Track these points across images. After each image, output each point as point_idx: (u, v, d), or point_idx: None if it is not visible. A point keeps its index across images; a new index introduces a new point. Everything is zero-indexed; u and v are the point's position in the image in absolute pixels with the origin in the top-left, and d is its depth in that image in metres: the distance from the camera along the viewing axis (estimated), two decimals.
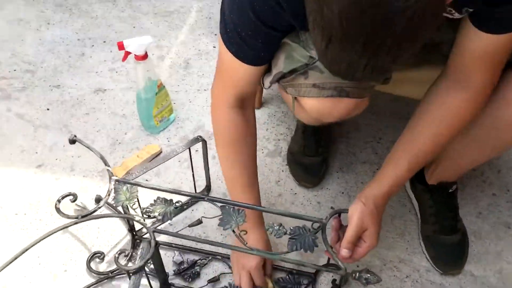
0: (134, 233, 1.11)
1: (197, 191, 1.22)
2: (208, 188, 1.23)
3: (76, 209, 1.17)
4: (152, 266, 1.02)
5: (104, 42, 1.64)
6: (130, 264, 1.06)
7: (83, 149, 1.29)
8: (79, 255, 1.12)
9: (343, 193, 1.26)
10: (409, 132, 0.89)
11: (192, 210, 1.21)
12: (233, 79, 0.90)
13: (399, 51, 0.58)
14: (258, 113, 1.43)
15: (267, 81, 0.88)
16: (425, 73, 0.96)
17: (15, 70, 1.54)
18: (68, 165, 1.30)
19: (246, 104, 0.95)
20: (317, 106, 0.82)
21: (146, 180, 1.26)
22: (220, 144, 1.00)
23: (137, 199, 1.03)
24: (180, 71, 1.55)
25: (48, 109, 1.44)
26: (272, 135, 1.38)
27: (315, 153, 1.27)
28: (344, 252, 0.86)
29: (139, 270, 0.84)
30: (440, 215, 1.13)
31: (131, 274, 0.84)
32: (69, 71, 1.55)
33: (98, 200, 1.15)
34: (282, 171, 1.30)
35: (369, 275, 0.82)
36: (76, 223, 0.89)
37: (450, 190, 1.13)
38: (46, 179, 1.27)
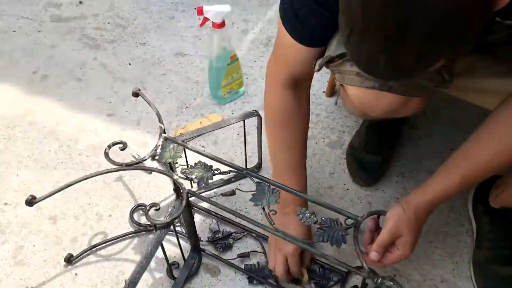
0: (179, 193, 1.14)
1: (248, 166, 1.21)
2: (259, 165, 1.22)
3: (132, 160, 1.22)
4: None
5: (195, 9, 1.67)
6: None
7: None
8: (126, 204, 1.17)
9: (398, 198, 1.19)
10: (469, 144, 0.81)
11: (240, 184, 1.21)
12: (287, 58, 0.87)
13: (422, 53, 0.55)
14: (328, 101, 1.39)
15: (317, 63, 0.84)
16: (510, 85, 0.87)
17: (108, 23, 1.63)
18: (136, 119, 1.35)
19: (300, 85, 0.92)
20: (360, 97, 0.78)
21: (203, 147, 1.28)
22: (268, 122, 0.98)
23: (186, 160, 1.06)
24: (260, 47, 1.55)
25: (129, 64, 1.50)
26: (338, 126, 1.33)
27: (376, 151, 1.21)
28: (373, 255, 0.81)
29: (166, 226, 0.86)
30: (497, 242, 1.03)
31: (157, 228, 0.86)
32: (156, 32, 1.61)
33: (153, 156, 1.19)
34: (339, 164, 1.26)
35: (392, 283, 0.76)
36: (118, 170, 0.92)
37: None
38: (113, 128, 1.33)
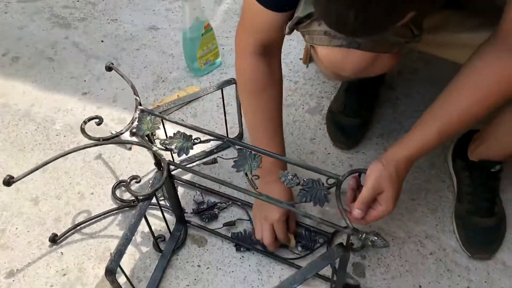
0: (160, 167, 1.13)
1: (230, 137, 1.20)
2: (240, 135, 1.21)
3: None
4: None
5: None
6: None
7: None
8: (107, 181, 1.16)
9: None
10: (444, 97, 0.81)
11: (222, 154, 1.20)
12: (254, 24, 0.86)
13: (391, 5, 0.55)
14: (306, 68, 1.38)
15: (287, 26, 0.83)
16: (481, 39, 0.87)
17: (78, 1, 1.59)
18: (111, 96, 1.33)
19: (270, 52, 0.91)
20: (329, 56, 0.78)
21: (182, 120, 1.27)
22: (242, 92, 0.98)
23: (165, 132, 1.05)
24: (234, 18, 1.53)
25: (102, 41, 1.47)
26: (316, 92, 1.33)
27: (355, 114, 1.21)
28: (356, 212, 0.82)
29: (148, 198, 0.85)
30: (477, 195, 1.05)
31: (139, 199, 0.85)
32: (128, 7, 1.57)
33: (130, 130, 1.17)
34: (320, 129, 1.26)
35: (376, 237, 0.77)
36: (96, 145, 0.91)
37: (493, 170, 1.04)
38: (89, 107, 1.31)
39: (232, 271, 1.02)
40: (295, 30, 0.84)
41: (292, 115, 1.28)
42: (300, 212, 0.84)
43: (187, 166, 1.16)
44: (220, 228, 1.07)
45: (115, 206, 1.11)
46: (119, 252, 0.79)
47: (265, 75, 0.93)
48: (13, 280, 1.01)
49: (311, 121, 1.27)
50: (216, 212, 1.10)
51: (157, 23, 1.52)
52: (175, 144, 0.88)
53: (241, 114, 1.15)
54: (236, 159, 0.86)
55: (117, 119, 1.28)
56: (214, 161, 0.95)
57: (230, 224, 1.08)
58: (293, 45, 1.42)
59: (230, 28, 1.50)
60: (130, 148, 1.22)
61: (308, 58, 1.37)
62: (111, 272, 0.77)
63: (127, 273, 0.94)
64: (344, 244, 0.83)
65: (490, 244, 1.04)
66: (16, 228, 1.09)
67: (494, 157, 1.03)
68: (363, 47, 0.74)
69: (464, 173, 1.08)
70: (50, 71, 1.40)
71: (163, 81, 1.36)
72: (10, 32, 1.50)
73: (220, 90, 1.07)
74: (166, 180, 0.87)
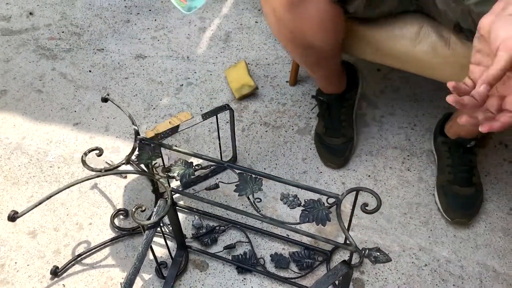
0: (158, 194, 1.15)
1: (223, 160, 1.23)
2: (234, 158, 1.24)
3: (105, 166, 1.22)
4: (171, 228, 1.05)
5: (150, 10, 1.67)
6: None
7: (118, 111, 1.35)
8: (105, 210, 1.17)
9: (369, 176, 1.24)
10: None
11: (217, 179, 1.23)
12: None
13: None
14: (292, 90, 1.42)
15: None
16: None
17: (63, 32, 1.60)
18: (103, 125, 1.34)
19: None
20: (273, 11, 0.88)
21: (176, 146, 1.29)
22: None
23: (162, 160, 1.07)
24: (219, 44, 1.56)
25: (90, 71, 1.49)
26: (304, 113, 1.37)
27: (337, 134, 1.25)
28: (483, 87, 0.59)
29: (154, 226, 0.87)
30: (455, 166, 1.16)
31: (145, 228, 0.87)
32: (113, 36, 1.59)
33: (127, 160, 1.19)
34: (310, 149, 1.29)
35: (378, 253, 0.80)
36: (98, 176, 0.92)
37: (468, 146, 1.16)
38: (81, 137, 1.32)
39: None
40: None
41: (282, 136, 1.32)
42: (309, 235, 0.86)
43: (189, 192, 1.17)
44: (221, 251, 1.09)
45: (114, 235, 1.12)
46: (129, 281, 0.81)
47: None
48: None
49: (302, 141, 1.31)
50: (216, 236, 1.11)
51: (143, 51, 1.54)
52: (177, 172, 0.91)
53: (234, 137, 1.18)
54: (238, 183, 0.88)
55: (111, 148, 1.29)
56: (216, 186, 0.98)
57: (230, 247, 1.09)
58: (279, 69, 1.46)
59: (216, 54, 1.53)
60: (125, 177, 1.23)
61: (295, 80, 1.42)
62: None
63: None
64: (347, 260, 0.86)
65: (468, 209, 1.14)
66: (15, 263, 1.08)
67: (465, 135, 1.15)
68: None
69: (444, 148, 1.20)
70: (40, 103, 1.40)
71: (154, 108, 1.38)
72: None
73: (215, 116, 1.10)
74: (170, 207, 0.89)
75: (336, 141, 1.25)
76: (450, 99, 0.59)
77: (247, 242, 1.10)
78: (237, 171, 0.90)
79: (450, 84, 0.60)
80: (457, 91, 0.61)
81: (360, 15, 0.99)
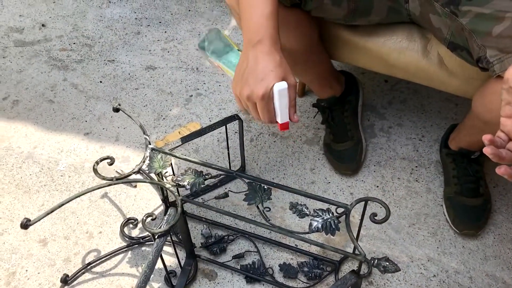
0: (168, 203, 1.15)
1: (232, 169, 1.24)
2: (243, 168, 1.25)
3: (116, 176, 1.23)
4: (180, 236, 1.05)
5: (160, 22, 1.70)
6: None
7: (128, 121, 1.36)
8: (115, 219, 1.18)
9: (377, 186, 1.24)
10: None
11: (225, 188, 1.23)
12: None
13: None
14: (300, 101, 1.43)
15: None
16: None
17: (74, 43, 1.63)
18: (114, 135, 1.36)
19: None
20: None
21: (185, 156, 1.30)
22: None
23: (172, 169, 1.08)
24: None
25: (101, 82, 1.51)
26: (312, 124, 1.38)
27: (344, 138, 1.26)
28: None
29: (164, 234, 0.88)
30: (461, 177, 1.16)
31: (156, 236, 0.87)
32: (124, 48, 1.62)
33: (138, 169, 1.20)
34: (318, 159, 1.30)
35: (388, 263, 0.81)
36: (110, 184, 0.93)
37: (473, 156, 1.16)
38: (92, 146, 1.34)
39: None
40: None
41: (290, 147, 1.33)
42: (318, 244, 0.87)
43: (200, 201, 1.18)
44: (230, 261, 1.09)
45: (124, 244, 1.13)
46: None
47: None
48: None
49: (310, 151, 1.32)
50: (225, 245, 1.12)
51: (154, 62, 1.56)
52: (187, 181, 0.92)
53: (243, 147, 1.19)
54: (247, 192, 0.89)
55: (121, 157, 1.30)
56: (226, 195, 0.99)
57: (239, 257, 1.10)
58: None
59: None
60: (135, 186, 1.24)
61: (303, 91, 1.44)
62: None
63: None
64: (356, 270, 0.87)
65: (476, 220, 1.13)
66: (26, 271, 1.09)
67: (467, 147, 1.16)
68: None
69: (449, 159, 1.20)
70: (51, 113, 1.42)
71: (163, 118, 1.40)
72: (9, 76, 1.53)
73: (224, 126, 1.11)
74: (180, 216, 0.90)
75: (344, 145, 1.26)
76: (488, 151, 0.61)
77: (255, 252, 1.11)
78: (247, 180, 0.91)
79: (485, 138, 0.61)
80: (493, 145, 0.62)
81: (348, 22, 1.02)
